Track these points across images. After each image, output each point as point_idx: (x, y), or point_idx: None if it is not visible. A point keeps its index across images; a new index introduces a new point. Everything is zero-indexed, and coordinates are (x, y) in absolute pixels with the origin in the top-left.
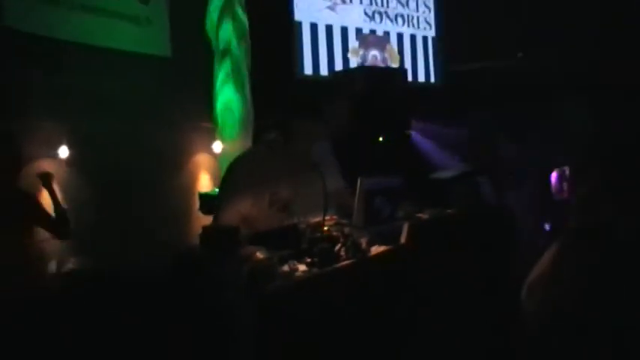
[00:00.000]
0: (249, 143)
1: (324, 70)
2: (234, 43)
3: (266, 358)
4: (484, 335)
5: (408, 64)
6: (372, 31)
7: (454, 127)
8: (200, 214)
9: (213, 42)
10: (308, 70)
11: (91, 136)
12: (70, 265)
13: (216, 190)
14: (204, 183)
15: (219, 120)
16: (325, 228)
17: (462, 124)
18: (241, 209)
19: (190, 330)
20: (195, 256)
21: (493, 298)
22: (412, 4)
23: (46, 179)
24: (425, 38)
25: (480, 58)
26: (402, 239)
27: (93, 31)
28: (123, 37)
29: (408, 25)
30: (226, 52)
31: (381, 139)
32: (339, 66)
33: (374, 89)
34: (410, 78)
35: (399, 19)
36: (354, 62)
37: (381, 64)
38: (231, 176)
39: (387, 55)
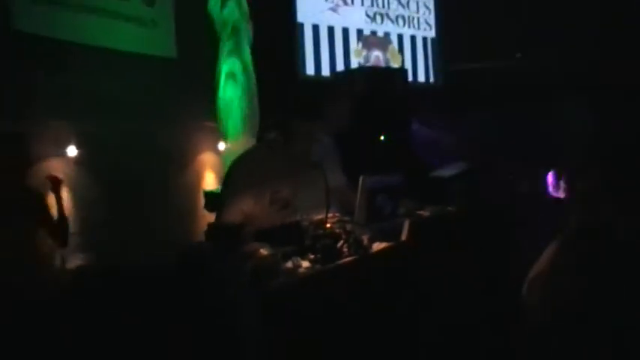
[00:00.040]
0: (252, 142)
1: (325, 71)
2: (238, 22)
3: (270, 354)
4: (483, 331)
5: (408, 65)
6: (373, 32)
7: (449, 127)
8: (205, 212)
9: (216, 23)
10: (310, 70)
11: (98, 135)
12: (79, 261)
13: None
14: (209, 181)
15: (223, 119)
16: (328, 225)
17: (462, 124)
18: (243, 208)
19: (195, 325)
20: (200, 253)
21: (492, 295)
22: (412, 6)
23: (55, 184)
24: (425, 39)
25: (480, 59)
26: (403, 236)
27: (100, 32)
28: (129, 38)
29: (409, 26)
30: (231, 31)
31: (382, 137)
32: (340, 66)
33: (375, 89)
34: (410, 78)
35: (400, 20)
36: (356, 63)
37: (384, 65)
38: (233, 175)
39: (389, 55)
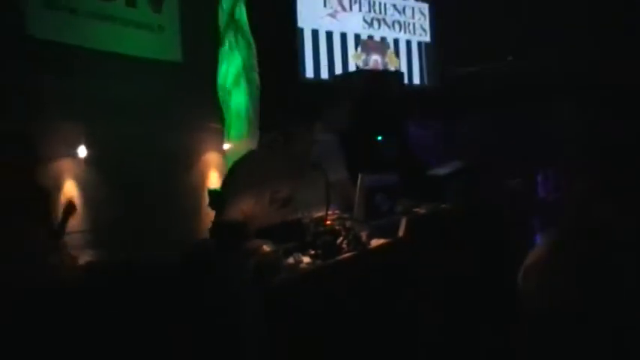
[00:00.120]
0: (255, 142)
1: (324, 74)
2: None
3: (273, 348)
4: (478, 325)
5: (404, 68)
6: (370, 37)
7: (443, 128)
8: (210, 210)
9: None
10: (309, 73)
11: (107, 136)
12: (88, 257)
13: None
14: (214, 180)
15: (227, 120)
16: (328, 222)
17: (456, 125)
18: (243, 207)
19: (200, 321)
20: (204, 250)
21: (488, 290)
22: (408, 12)
23: (69, 208)
24: (420, 43)
25: (473, 62)
26: (401, 233)
27: (109, 38)
28: (137, 43)
29: (405, 31)
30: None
31: (379, 137)
32: (338, 70)
33: (372, 91)
34: (406, 81)
35: (396, 26)
36: (354, 66)
37: (382, 68)
38: (233, 175)
39: (387, 59)
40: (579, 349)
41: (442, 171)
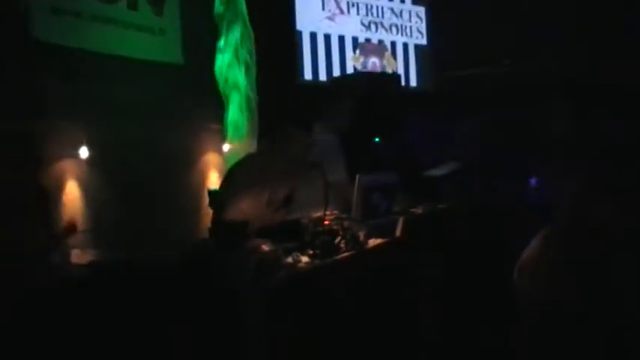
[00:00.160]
0: (254, 143)
1: (322, 76)
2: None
3: (273, 343)
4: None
5: (401, 71)
6: (368, 40)
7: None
8: (209, 210)
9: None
10: (308, 75)
11: (109, 137)
12: (90, 256)
13: None
14: (214, 180)
15: (227, 121)
16: (326, 222)
17: (453, 127)
18: (241, 208)
19: (200, 319)
20: (204, 250)
21: (487, 290)
22: (405, 15)
23: (70, 228)
24: (417, 46)
25: (470, 66)
26: (398, 232)
27: (113, 41)
28: (139, 46)
29: (402, 34)
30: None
31: (377, 139)
32: (336, 72)
33: (370, 92)
34: (403, 83)
35: (393, 29)
36: (352, 68)
37: (381, 71)
38: (232, 178)
39: (385, 62)
40: (578, 349)
41: (438, 172)
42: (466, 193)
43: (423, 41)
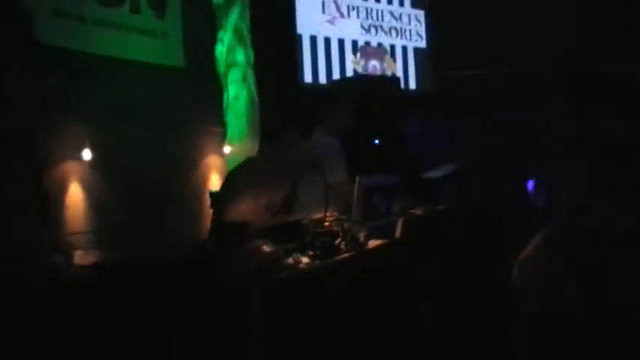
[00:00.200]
0: (255, 145)
1: (322, 79)
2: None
3: (274, 344)
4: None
5: (400, 73)
6: (367, 43)
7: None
8: (211, 211)
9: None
10: (308, 78)
11: (112, 140)
12: (93, 257)
13: None
14: (215, 182)
15: (228, 124)
16: (326, 223)
17: (451, 129)
18: (241, 211)
19: (202, 320)
20: (203, 251)
21: (486, 290)
22: (405, 18)
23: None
24: (416, 49)
25: (469, 66)
26: (397, 233)
27: (115, 44)
28: (141, 49)
29: (401, 38)
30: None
31: (376, 141)
32: (336, 75)
33: (370, 95)
34: (402, 86)
35: (393, 32)
36: (352, 71)
37: (381, 74)
38: (232, 181)
39: (385, 64)
40: (578, 348)
41: (436, 174)
42: (465, 195)
43: (423, 44)
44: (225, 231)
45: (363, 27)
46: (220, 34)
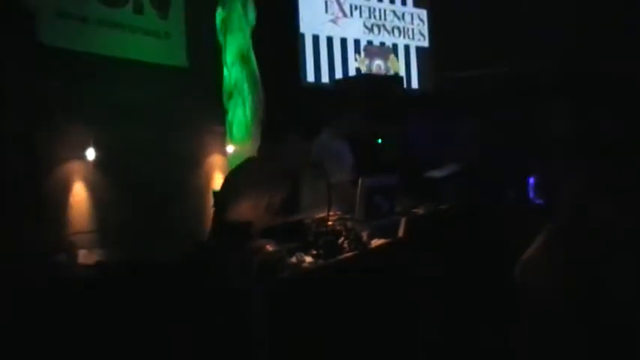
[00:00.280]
0: (257, 144)
1: (325, 78)
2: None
3: (276, 343)
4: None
5: (402, 73)
6: (369, 42)
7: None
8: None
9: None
10: (310, 77)
11: (116, 139)
12: (97, 257)
13: None
14: (218, 182)
15: (231, 123)
16: (329, 222)
17: (453, 128)
18: (241, 212)
19: (206, 320)
20: (208, 250)
21: (488, 290)
22: (407, 18)
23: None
24: (418, 48)
25: (470, 67)
26: (400, 232)
27: (118, 45)
28: (145, 50)
29: (404, 37)
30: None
31: (379, 140)
32: (339, 74)
33: (373, 94)
34: (405, 85)
35: (396, 31)
36: (354, 70)
37: (385, 73)
38: (232, 181)
39: (389, 64)
40: (578, 348)
41: (439, 173)
42: (467, 194)
43: (425, 43)
44: (227, 230)
45: (365, 26)
46: (225, 57)
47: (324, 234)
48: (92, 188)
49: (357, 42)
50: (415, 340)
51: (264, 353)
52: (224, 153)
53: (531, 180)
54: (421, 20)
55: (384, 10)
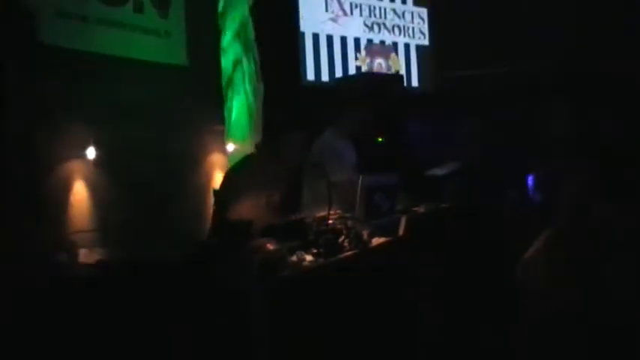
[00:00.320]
0: (257, 139)
1: (325, 77)
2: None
3: (277, 342)
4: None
5: (403, 71)
6: (370, 41)
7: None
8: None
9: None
10: (310, 76)
11: (116, 138)
12: (98, 255)
13: None
14: (219, 181)
15: (231, 122)
16: (330, 221)
17: (453, 127)
18: (241, 211)
19: (206, 319)
20: (209, 249)
21: (488, 290)
22: (408, 16)
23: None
24: (418, 47)
25: (470, 66)
26: (400, 231)
27: (119, 44)
28: (145, 48)
29: (404, 35)
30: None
31: (380, 139)
32: (339, 73)
33: (374, 93)
34: (405, 84)
35: (396, 30)
36: (355, 69)
37: (386, 72)
38: (231, 180)
39: (390, 63)
40: (578, 348)
41: (440, 171)
42: (467, 193)
43: (425, 42)
44: (228, 230)
45: (366, 25)
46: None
47: (325, 233)
48: (92, 187)
49: (357, 40)
50: (415, 339)
51: (264, 352)
52: (224, 152)
53: (531, 180)
54: (421, 19)
55: (385, 9)
